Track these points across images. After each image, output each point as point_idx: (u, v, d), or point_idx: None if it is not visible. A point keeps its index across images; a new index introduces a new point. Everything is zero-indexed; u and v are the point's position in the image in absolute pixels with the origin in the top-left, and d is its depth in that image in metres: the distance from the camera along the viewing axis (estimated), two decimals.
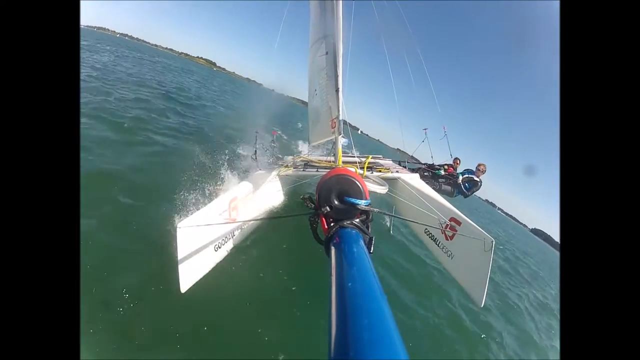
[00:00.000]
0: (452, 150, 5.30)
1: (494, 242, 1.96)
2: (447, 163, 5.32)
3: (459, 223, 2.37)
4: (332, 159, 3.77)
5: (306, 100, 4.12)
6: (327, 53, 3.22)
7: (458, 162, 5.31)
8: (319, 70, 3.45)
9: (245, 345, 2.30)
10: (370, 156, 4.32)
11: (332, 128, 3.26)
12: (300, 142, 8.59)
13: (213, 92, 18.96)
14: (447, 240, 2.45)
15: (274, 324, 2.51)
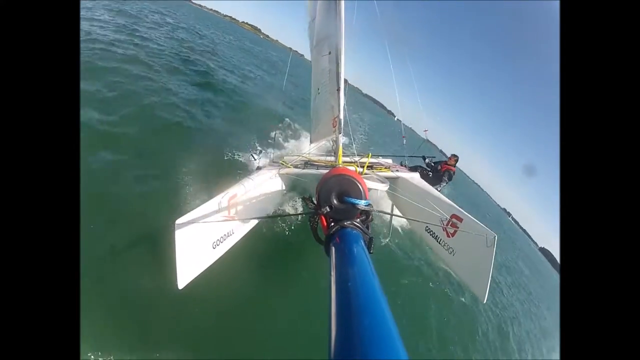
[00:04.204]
0: (453, 148, 5.33)
1: (496, 237, 1.94)
2: (442, 160, 5.37)
3: (460, 219, 2.34)
4: (333, 158, 3.77)
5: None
6: (329, 53, 3.23)
7: (454, 158, 5.33)
8: (322, 70, 3.45)
9: (244, 345, 2.30)
10: (370, 154, 4.32)
11: (334, 127, 3.26)
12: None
13: None
14: (449, 237, 2.42)
15: (274, 323, 2.51)
